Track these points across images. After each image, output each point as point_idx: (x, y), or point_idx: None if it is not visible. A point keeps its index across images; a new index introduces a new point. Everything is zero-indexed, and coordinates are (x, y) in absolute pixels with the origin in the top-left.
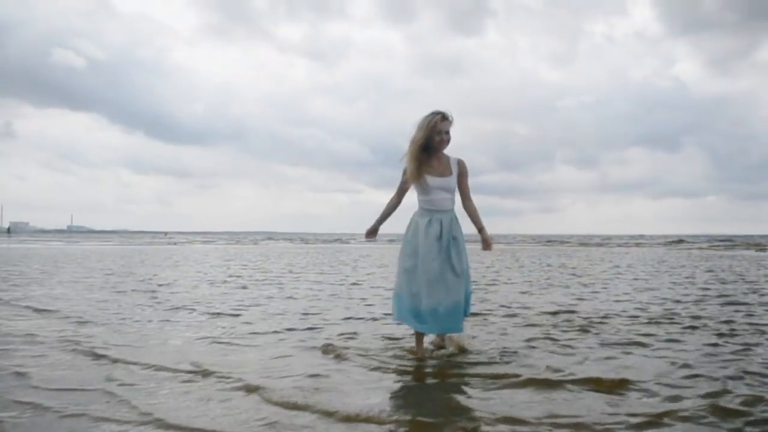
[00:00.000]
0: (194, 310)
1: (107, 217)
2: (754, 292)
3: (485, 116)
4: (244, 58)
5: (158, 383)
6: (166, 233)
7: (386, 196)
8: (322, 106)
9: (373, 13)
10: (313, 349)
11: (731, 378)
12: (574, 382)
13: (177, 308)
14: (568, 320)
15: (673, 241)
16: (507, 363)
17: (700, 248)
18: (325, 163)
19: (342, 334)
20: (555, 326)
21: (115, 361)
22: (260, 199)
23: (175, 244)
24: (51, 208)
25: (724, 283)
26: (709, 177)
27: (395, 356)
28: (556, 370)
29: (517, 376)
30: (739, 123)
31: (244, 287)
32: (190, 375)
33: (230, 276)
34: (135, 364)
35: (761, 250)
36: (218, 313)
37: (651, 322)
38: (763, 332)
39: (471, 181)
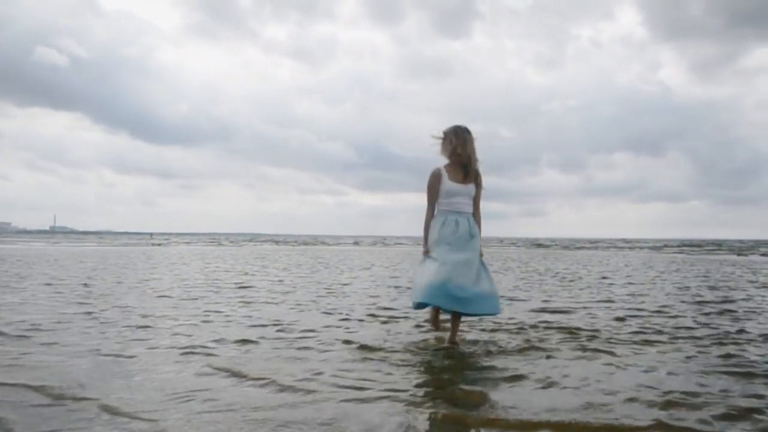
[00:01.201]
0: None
1: (91, 218)
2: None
3: (471, 119)
4: (229, 58)
5: None
6: (151, 234)
7: (373, 198)
8: (307, 106)
9: (360, 13)
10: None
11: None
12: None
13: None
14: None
15: (657, 246)
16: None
17: (683, 253)
18: (311, 165)
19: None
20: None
21: None
22: (245, 200)
23: (159, 245)
24: (34, 208)
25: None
26: (692, 182)
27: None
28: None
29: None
30: (722, 128)
31: (196, 298)
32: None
33: (186, 285)
34: None
35: (742, 254)
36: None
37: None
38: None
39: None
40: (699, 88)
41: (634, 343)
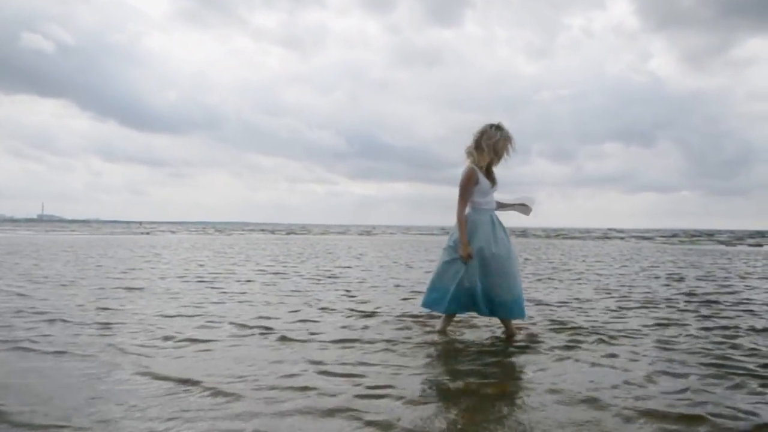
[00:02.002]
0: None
1: (79, 206)
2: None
3: (462, 108)
4: (218, 46)
5: None
6: (141, 223)
7: (363, 187)
8: (297, 95)
9: (351, 1)
10: None
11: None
12: None
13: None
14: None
15: (647, 236)
16: None
17: (670, 243)
18: (301, 153)
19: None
20: None
21: None
22: (234, 189)
23: (148, 233)
24: (21, 196)
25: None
26: (682, 172)
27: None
28: None
29: None
30: (712, 119)
31: (142, 297)
32: None
33: (152, 276)
34: None
35: (731, 245)
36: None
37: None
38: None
39: (446, 174)
40: (690, 79)
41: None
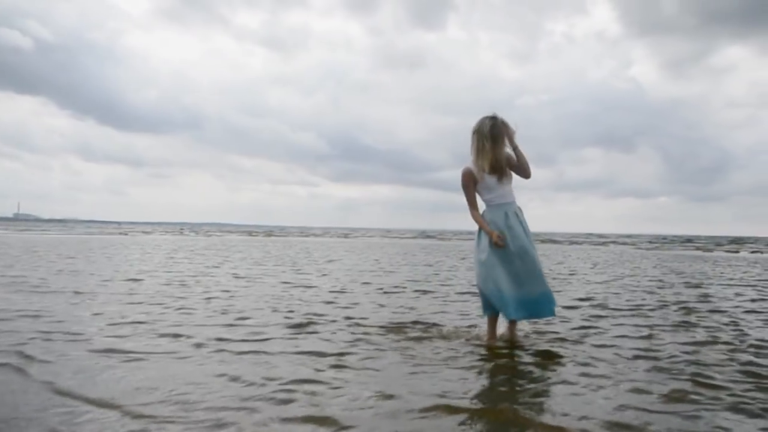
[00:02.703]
0: None
1: (56, 206)
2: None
3: (444, 112)
4: (199, 45)
5: None
6: (120, 224)
7: (345, 189)
8: (279, 96)
9: (334, 3)
10: None
11: None
12: None
13: None
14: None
15: (628, 242)
16: None
17: (648, 249)
18: (283, 155)
19: None
20: None
21: None
22: (215, 190)
23: (126, 234)
24: None
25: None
26: (661, 178)
27: None
28: None
29: None
30: (692, 126)
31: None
32: None
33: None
34: None
35: (708, 250)
36: None
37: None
38: None
39: (428, 177)
40: (670, 86)
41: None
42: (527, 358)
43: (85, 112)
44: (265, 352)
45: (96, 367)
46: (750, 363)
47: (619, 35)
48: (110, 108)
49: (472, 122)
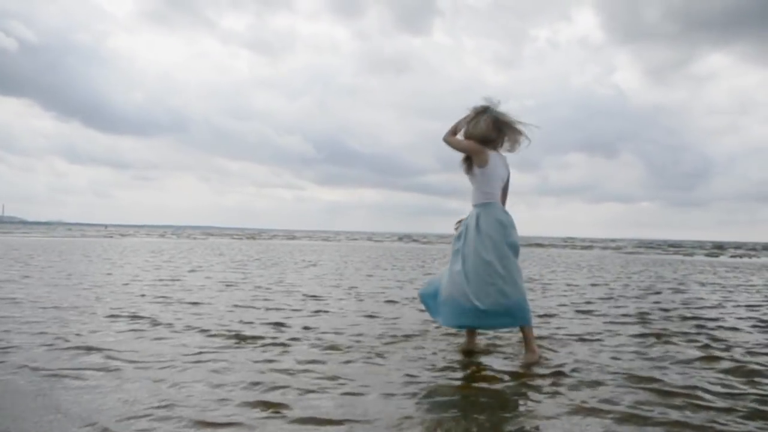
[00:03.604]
0: None
1: (41, 208)
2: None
3: (429, 117)
4: (185, 47)
5: None
6: (105, 226)
7: (331, 193)
8: (265, 99)
9: (320, 6)
10: None
11: None
12: None
13: None
14: None
15: (610, 246)
16: None
17: (636, 254)
18: (268, 158)
19: None
20: None
21: None
22: (201, 193)
23: (111, 236)
24: None
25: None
26: (643, 183)
27: None
28: None
29: None
30: (673, 132)
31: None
32: None
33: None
34: None
35: (688, 254)
36: None
37: None
38: None
39: (413, 181)
40: (652, 92)
41: None
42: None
43: (69, 114)
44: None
45: None
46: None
47: (602, 42)
48: (95, 110)
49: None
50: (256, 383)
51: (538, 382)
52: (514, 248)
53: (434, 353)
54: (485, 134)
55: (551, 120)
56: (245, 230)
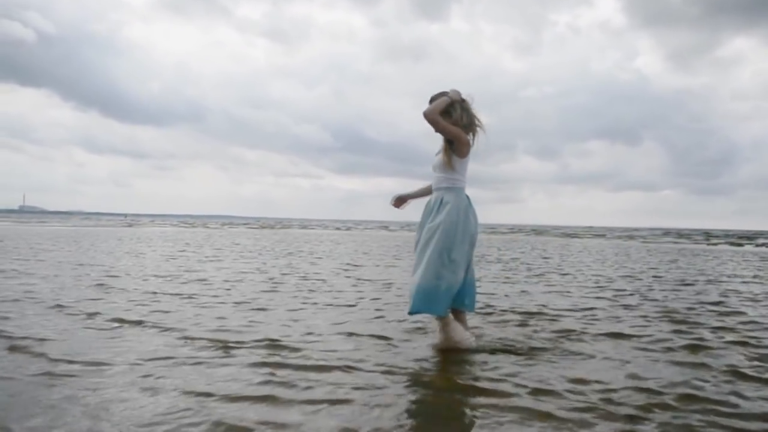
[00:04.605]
0: None
1: (61, 198)
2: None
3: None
4: (201, 36)
5: None
6: (126, 215)
7: (348, 182)
8: (282, 88)
9: None
10: None
11: None
12: None
13: None
14: None
15: (633, 235)
16: None
17: (654, 242)
18: (286, 147)
19: None
20: None
21: None
22: (219, 182)
23: (130, 226)
24: (1, 187)
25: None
26: (666, 171)
27: None
28: None
29: None
30: (697, 118)
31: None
32: None
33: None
34: None
35: (712, 244)
36: None
37: None
38: None
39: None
40: (675, 77)
41: None
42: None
43: (88, 104)
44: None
45: None
46: None
47: (623, 26)
48: (113, 100)
49: (477, 114)
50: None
51: None
52: (472, 237)
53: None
54: (468, 125)
55: (571, 106)
56: (264, 219)
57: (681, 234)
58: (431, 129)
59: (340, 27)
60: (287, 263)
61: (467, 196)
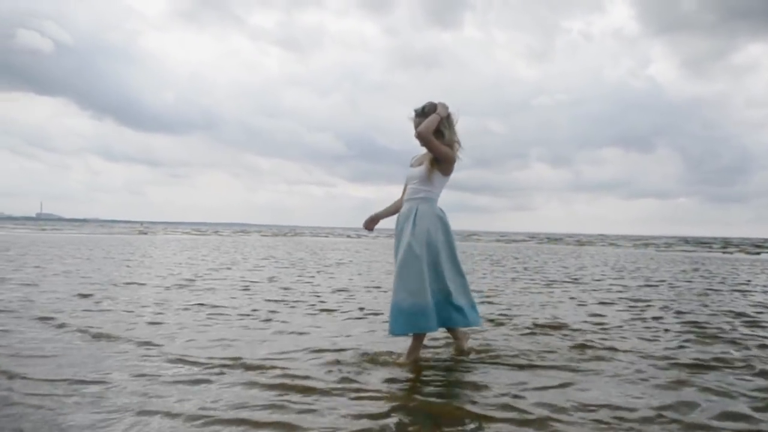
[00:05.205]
0: None
1: (78, 205)
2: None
3: (460, 112)
4: (215, 45)
5: None
6: (141, 223)
7: (362, 190)
8: (295, 97)
9: (349, 2)
10: None
11: None
12: None
13: None
14: None
15: (651, 243)
16: None
17: (677, 251)
18: (299, 155)
19: None
20: None
21: None
22: (233, 190)
23: (146, 233)
24: (19, 194)
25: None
26: (680, 179)
27: None
28: None
29: None
30: (711, 125)
31: None
32: None
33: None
34: None
35: (728, 252)
36: None
37: None
38: None
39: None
40: (689, 84)
41: None
42: None
43: (103, 112)
44: None
45: None
46: None
47: (637, 33)
48: (128, 108)
49: (490, 123)
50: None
51: None
52: (451, 248)
53: None
54: (452, 143)
55: (585, 114)
56: (277, 227)
57: (699, 242)
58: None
59: (353, 35)
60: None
61: (440, 209)
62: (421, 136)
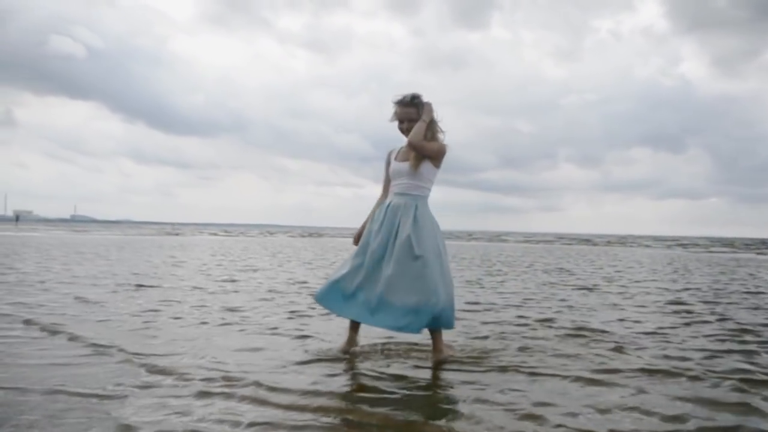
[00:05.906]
0: None
1: (111, 207)
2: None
3: (488, 112)
4: (243, 48)
5: None
6: (172, 225)
7: None
8: (323, 98)
9: (376, 4)
10: None
11: None
12: None
13: None
14: None
15: (682, 244)
16: None
17: (703, 251)
18: (327, 157)
19: None
20: None
21: None
22: (262, 191)
23: (177, 234)
24: (54, 197)
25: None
26: (712, 178)
27: None
28: None
29: None
30: (743, 124)
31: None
32: None
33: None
34: None
35: (762, 253)
36: None
37: None
38: None
39: (472, 178)
40: (721, 83)
41: None
42: None
43: (135, 116)
44: None
45: None
46: None
47: (667, 31)
48: (159, 112)
49: (517, 123)
50: None
51: None
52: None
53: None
54: (437, 135)
55: (613, 113)
56: (305, 228)
57: (733, 243)
58: (474, 138)
59: (380, 37)
60: None
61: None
62: (416, 149)
